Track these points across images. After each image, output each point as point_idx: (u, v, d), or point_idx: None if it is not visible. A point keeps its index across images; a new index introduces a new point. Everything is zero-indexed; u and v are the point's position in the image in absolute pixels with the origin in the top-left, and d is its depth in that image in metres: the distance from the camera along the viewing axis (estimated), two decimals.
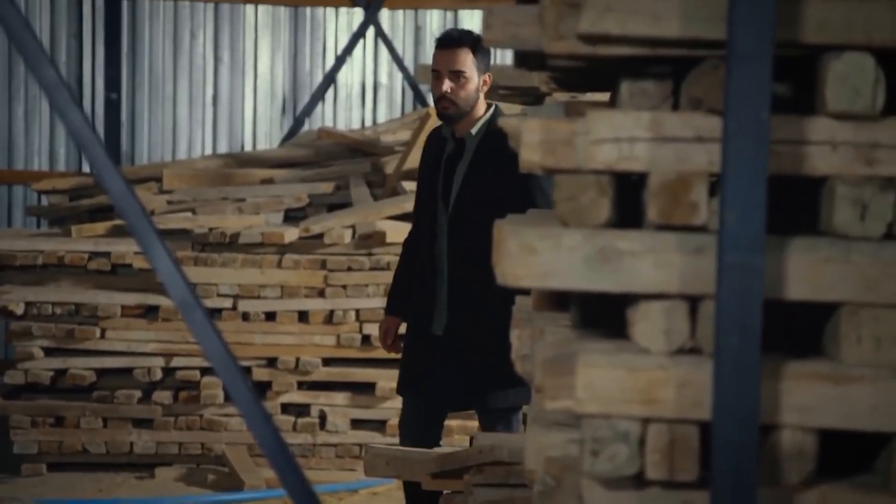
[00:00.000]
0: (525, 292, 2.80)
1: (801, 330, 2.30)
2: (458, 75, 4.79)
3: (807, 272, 2.20)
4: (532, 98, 8.12)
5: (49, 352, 6.87)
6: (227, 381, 2.76)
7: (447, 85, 4.77)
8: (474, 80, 4.81)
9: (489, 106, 4.91)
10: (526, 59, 2.76)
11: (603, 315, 2.48)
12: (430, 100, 9.09)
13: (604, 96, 3.20)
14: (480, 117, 4.85)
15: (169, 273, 2.74)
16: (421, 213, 4.98)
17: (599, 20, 2.21)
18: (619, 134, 2.26)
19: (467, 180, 4.78)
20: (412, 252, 5.03)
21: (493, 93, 8.66)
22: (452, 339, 4.80)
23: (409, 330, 4.99)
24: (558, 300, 2.82)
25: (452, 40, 4.82)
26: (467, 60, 4.80)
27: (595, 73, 2.65)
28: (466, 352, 4.76)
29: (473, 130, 4.84)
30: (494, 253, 2.40)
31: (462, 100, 4.79)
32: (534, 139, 2.37)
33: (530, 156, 2.38)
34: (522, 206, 4.38)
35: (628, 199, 2.38)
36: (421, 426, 4.95)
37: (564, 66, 2.54)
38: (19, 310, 6.81)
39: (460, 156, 4.83)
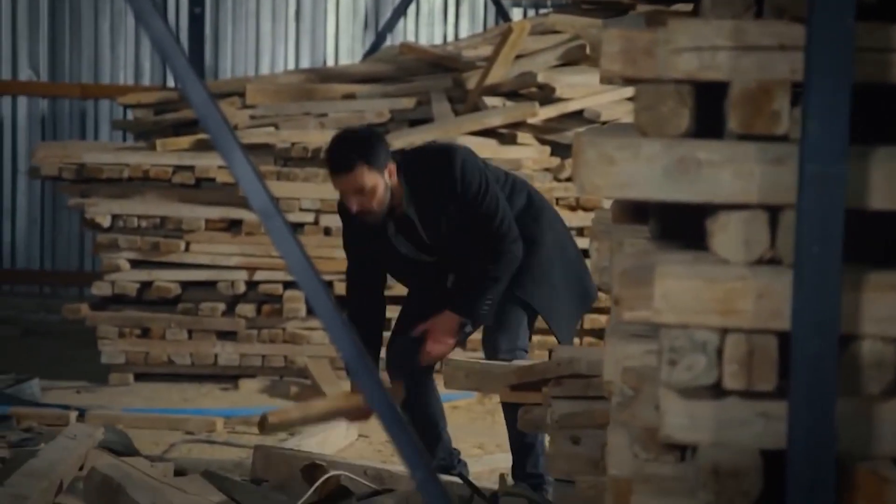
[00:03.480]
0: None
1: (883, 240, 2.28)
2: (362, 191, 4.61)
3: (890, 182, 2.17)
4: (615, 12, 8.04)
5: (135, 264, 6.97)
6: (309, 293, 2.78)
7: (357, 204, 4.62)
8: (380, 183, 4.62)
9: (398, 168, 4.73)
10: None
11: (682, 226, 2.47)
12: (513, 14, 9.05)
13: (686, 7, 3.16)
14: (400, 188, 4.71)
15: (250, 183, 2.75)
16: (371, 277, 4.90)
17: None
18: (701, 43, 2.23)
19: (432, 233, 4.77)
20: (360, 319, 4.81)
21: (577, 7, 8.61)
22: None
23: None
24: (637, 211, 2.81)
25: (343, 166, 4.60)
26: (364, 176, 4.58)
27: None
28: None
29: (404, 201, 4.73)
30: (573, 164, 2.39)
31: (377, 205, 4.63)
32: (614, 49, 2.36)
33: (611, 65, 2.37)
34: (471, 218, 4.68)
35: (708, 109, 2.36)
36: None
37: None
38: (106, 222, 6.90)
39: (411, 225, 4.77)
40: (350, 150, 4.61)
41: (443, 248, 4.82)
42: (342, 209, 4.80)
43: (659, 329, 2.25)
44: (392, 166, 4.67)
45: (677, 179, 2.23)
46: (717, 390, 2.20)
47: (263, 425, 4.80)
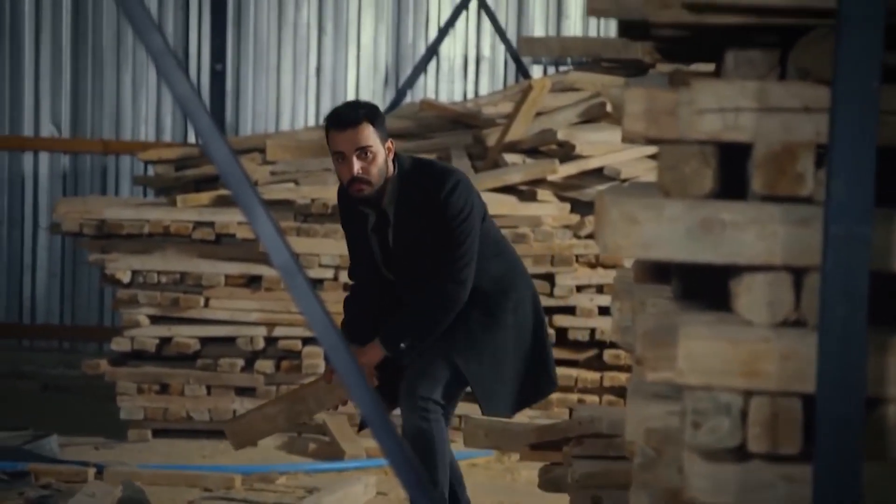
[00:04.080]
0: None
1: None
2: (365, 152, 4.56)
3: None
4: (634, 70, 8.07)
5: (154, 320, 6.97)
6: (329, 349, 2.77)
7: (357, 166, 4.55)
8: (381, 152, 4.60)
9: (393, 162, 4.70)
10: (630, 29, 2.74)
11: (704, 286, 2.46)
12: (533, 71, 9.08)
13: (708, 67, 3.17)
14: (390, 179, 4.66)
15: (272, 240, 2.76)
16: (367, 276, 4.85)
17: None
18: (724, 104, 2.24)
19: (398, 242, 4.69)
20: (358, 307, 4.89)
21: (597, 65, 8.64)
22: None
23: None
24: (659, 271, 2.81)
25: (351, 119, 4.58)
26: (371, 134, 4.57)
27: (699, 43, 2.62)
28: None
29: (387, 198, 4.68)
30: (595, 223, 2.38)
31: (375, 176, 4.58)
32: (636, 109, 2.36)
33: (633, 125, 2.37)
34: (447, 239, 4.58)
35: (731, 170, 2.36)
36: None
37: (669, 35, 2.51)
38: (126, 278, 6.92)
39: (386, 223, 4.70)
40: (359, 109, 4.64)
41: (401, 266, 4.73)
42: (341, 195, 4.78)
43: (682, 390, 2.23)
44: (391, 146, 4.65)
45: (701, 240, 2.23)
46: (741, 453, 2.19)
47: (233, 444, 4.78)
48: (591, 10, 2.57)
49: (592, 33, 9.07)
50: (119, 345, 6.94)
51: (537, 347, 4.83)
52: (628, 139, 2.45)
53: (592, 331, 6.84)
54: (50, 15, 8.73)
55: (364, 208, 4.70)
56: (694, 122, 2.25)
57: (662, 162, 2.31)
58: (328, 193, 7.01)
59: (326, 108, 8.98)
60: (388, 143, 4.65)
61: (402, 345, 4.65)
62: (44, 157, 8.77)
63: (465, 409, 6.76)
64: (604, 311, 6.80)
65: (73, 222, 7.09)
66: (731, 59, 2.32)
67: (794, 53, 2.24)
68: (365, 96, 9.11)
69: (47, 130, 8.78)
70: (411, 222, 4.66)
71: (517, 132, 7.32)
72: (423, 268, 4.66)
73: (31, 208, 8.80)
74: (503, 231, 6.84)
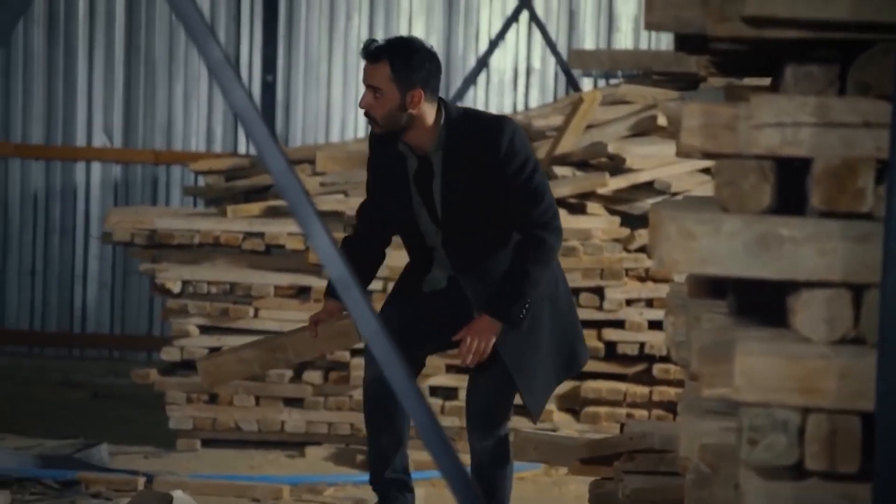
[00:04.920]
0: None
1: None
2: (374, 91, 4.39)
3: None
4: (686, 83, 8.04)
5: (204, 330, 6.99)
6: (383, 361, 2.78)
7: (364, 100, 4.42)
8: (393, 96, 4.36)
9: (440, 111, 4.47)
10: (686, 43, 2.73)
11: (761, 302, 2.45)
12: (583, 84, 9.07)
13: (763, 81, 3.15)
14: (434, 128, 4.44)
15: (327, 251, 2.77)
16: (399, 225, 4.63)
17: (767, 2, 2.17)
18: (783, 119, 2.22)
19: (448, 196, 4.48)
20: (353, 251, 4.58)
21: (647, 78, 8.61)
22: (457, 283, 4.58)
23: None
24: (714, 286, 2.79)
25: (369, 53, 4.41)
26: (383, 76, 4.36)
27: (756, 57, 2.61)
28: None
29: (432, 147, 4.46)
30: (650, 237, 2.38)
31: (381, 118, 4.40)
32: (694, 123, 2.35)
33: (690, 140, 2.36)
34: (509, 196, 4.38)
35: (790, 185, 2.35)
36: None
37: (726, 49, 2.50)
38: (176, 288, 6.95)
39: (430, 173, 4.49)
40: (385, 46, 4.42)
41: (450, 219, 4.49)
42: (376, 140, 4.59)
43: (738, 406, 2.22)
44: (418, 94, 4.35)
45: (758, 256, 2.22)
46: (798, 471, 2.17)
47: (204, 382, 4.73)
48: (648, 23, 2.56)
49: (644, 46, 9.04)
50: (169, 354, 6.97)
51: (571, 317, 4.68)
52: (685, 154, 2.44)
53: (642, 345, 6.81)
54: (103, 27, 8.79)
55: (405, 153, 4.49)
56: (752, 137, 2.24)
57: (720, 177, 2.30)
58: None
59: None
60: (415, 92, 4.36)
61: (523, 313, 4.42)
62: (96, 167, 8.83)
63: (513, 422, 6.75)
64: (653, 325, 6.77)
65: (125, 232, 7.13)
66: (790, 73, 2.31)
67: (855, 68, 2.23)
68: None
69: (100, 141, 8.84)
70: (463, 172, 4.42)
71: (567, 145, 7.31)
72: (476, 222, 4.46)
73: (83, 218, 8.86)
74: None
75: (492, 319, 4.43)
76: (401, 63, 4.37)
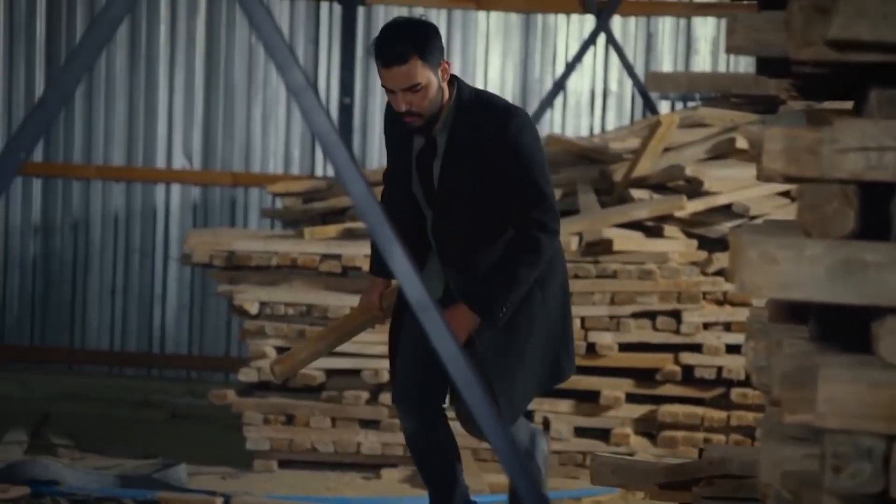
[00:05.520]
0: None
1: None
2: (412, 88, 4.24)
3: None
4: (765, 106, 7.99)
5: (281, 351, 7.03)
6: (461, 383, 2.78)
7: (405, 103, 4.24)
8: (433, 81, 4.25)
9: (451, 85, 4.36)
10: (767, 66, 2.72)
11: (843, 328, 2.42)
12: (660, 107, 9.04)
13: (844, 104, 3.13)
14: (444, 108, 4.33)
15: (406, 275, 2.78)
16: (400, 200, 4.49)
17: (851, 25, 2.16)
18: (867, 143, 2.20)
19: (445, 178, 4.35)
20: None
21: (725, 101, 8.57)
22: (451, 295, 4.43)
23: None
24: (795, 311, 2.77)
25: (396, 57, 4.21)
26: (419, 70, 4.22)
27: (838, 81, 2.59)
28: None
29: (440, 125, 4.34)
30: (731, 262, 2.36)
31: (427, 107, 4.26)
32: (776, 147, 2.33)
33: (773, 163, 2.34)
34: (509, 191, 4.23)
35: (874, 209, 2.32)
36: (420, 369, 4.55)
37: (808, 73, 2.49)
38: (253, 309, 6.99)
39: (433, 153, 4.38)
40: (405, 41, 4.22)
41: (444, 202, 4.38)
42: (388, 113, 4.47)
43: (821, 433, 2.20)
44: (446, 64, 4.29)
45: (842, 281, 2.20)
46: (883, 499, 2.14)
47: (276, 373, 4.63)
48: (730, 47, 2.56)
49: (722, 68, 9.00)
50: (246, 375, 7.01)
51: (562, 327, 4.48)
52: (767, 178, 2.43)
53: (719, 369, 6.76)
54: (184, 51, 8.89)
55: (409, 136, 4.40)
56: (836, 161, 2.23)
57: (803, 201, 2.28)
58: None
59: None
60: (443, 65, 4.29)
61: (504, 311, 4.28)
62: (175, 189, 8.93)
63: (589, 446, 6.72)
64: (731, 349, 6.72)
65: (203, 254, 7.19)
66: (874, 97, 2.29)
67: None
68: None
69: (179, 163, 8.94)
70: (464, 156, 4.30)
71: (644, 167, 7.28)
72: (468, 210, 4.34)
73: (163, 239, 8.95)
74: (629, 268, 6.84)
75: (471, 312, 4.31)
76: (427, 49, 4.23)
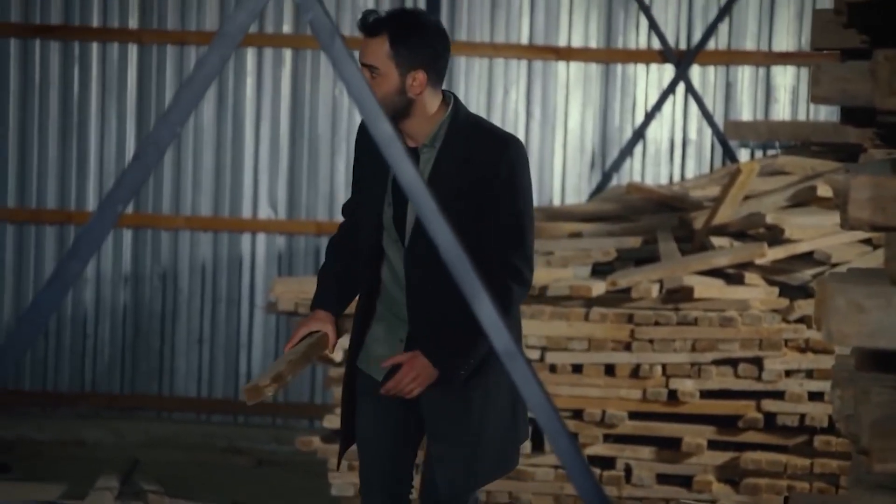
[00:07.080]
0: None
1: None
2: (369, 70, 3.81)
3: None
4: (845, 154, 7.98)
5: None
6: (549, 431, 2.82)
7: None
8: (392, 78, 3.82)
9: (446, 104, 3.96)
10: (852, 115, 2.76)
11: None
12: (740, 155, 9.05)
13: None
14: (433, 119, 3.92)
15: (493, 323, 2.83)
16: (363, 228, 4.09)
17: None
18: None
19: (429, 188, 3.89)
20: (339, 254, 4.22)
21: (806, 149, 8.57)
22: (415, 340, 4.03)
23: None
24: (882, 360, 2.79)
25: (366, 25, 3.82)
26: (380, 52, 3.80)
27: None
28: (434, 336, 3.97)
29: (426, 140, 3.92)
30: (817, 310, 2.39)
31: (378, 100, 3.65)
32: (863, 196, 2.37)
33: (858, 212, 2.38)
34: (490, 227, 3.84)
35: None
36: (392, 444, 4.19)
37: (894, 122, 2.52)
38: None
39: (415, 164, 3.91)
40: (385, 19, 3.85)
41: (415, 232, 3.90)
42: (361, 133, 4.01)
43: None
44: (420, 77, 3.83)
45: None
46: None
47: (251, 396, 4.54)
48: (815, 97, 2.60)
49: (801, 117, 9.00)
50: (331, 422, 7.07)
51: (510, 404, 4.07)
52: (852, 226, 2.46)
53: (802, 416, 6.74)
54: (269, 102, 9.04)
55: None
56: None
57: (890, 249, 2.32)
58: (535, 275, 7.08)
59: (534, 192, 9.06)
60: (417, 74, 3.84)
61: (463, 370, 3.90)
62: (261, 238, 9.06)
63: (671, 493, 6.72)
64: (814, 396, 6.70)
65: (288, 301, 7.28)
66: None
67: None
68: (571, 179, 9.19)
69: (265, 213, 9.07)
70: (451, 177, 3.87)
71: (725, 215, 7.30)
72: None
73: (248, 288, 9.07)
74: (710, 315, 6.84)
75: (431, 365, 3.91)
76: (402, 39, 3.82)
